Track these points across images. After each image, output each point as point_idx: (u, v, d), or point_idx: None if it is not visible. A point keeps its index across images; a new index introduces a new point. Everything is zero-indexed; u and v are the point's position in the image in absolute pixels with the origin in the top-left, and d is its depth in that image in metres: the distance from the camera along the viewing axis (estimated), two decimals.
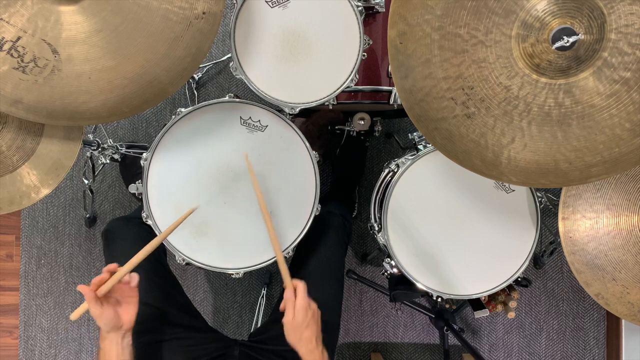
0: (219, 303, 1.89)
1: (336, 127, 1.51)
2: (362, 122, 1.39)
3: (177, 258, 1.15)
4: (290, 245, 1.17)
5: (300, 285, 0.96)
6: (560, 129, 0.89)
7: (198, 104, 1.12)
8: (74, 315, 0.88)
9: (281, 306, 0.96)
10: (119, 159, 1.67)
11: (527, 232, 1.21)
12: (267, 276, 1.85)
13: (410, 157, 1.20)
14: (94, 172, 1.63)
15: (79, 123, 1.03)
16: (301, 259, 1.25)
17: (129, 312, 0.95)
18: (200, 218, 1.14)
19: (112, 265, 0.93)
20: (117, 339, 0.93)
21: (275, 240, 1.03)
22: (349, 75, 1.14)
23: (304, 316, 0.92)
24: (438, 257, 1.21)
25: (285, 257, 1.17)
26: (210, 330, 1.24)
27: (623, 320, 1.83)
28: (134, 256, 0.94)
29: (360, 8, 1.10)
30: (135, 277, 0.95)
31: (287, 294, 0.95)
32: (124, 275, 0.93)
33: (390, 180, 1.21)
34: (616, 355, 1.86)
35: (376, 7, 1.15)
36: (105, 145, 1.54)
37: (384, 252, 1.23)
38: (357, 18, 1.10)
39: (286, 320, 0.94)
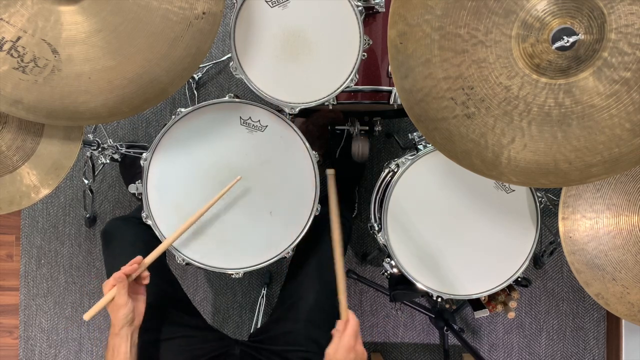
0: (219, 303, 1.89)
1: (336, 127, 1.51)
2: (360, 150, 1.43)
3: (177, 258, 1.15)
4: (290, 245, 1.17)
5: (352, 322, 0.91)
6: (560, 129, 0.89)
7: (198, 104, 1.12)
8: (89, 314, 0.92)
9: (333, 331, 0.93)
10: (119, 159, 1.67)
11: (527, 232, 1.21)
12: (267, 276, 1.85)
13: (410, 157, 1.20)
14: (94, 172, 1.63)
15: (79, 123, 1.03)
16: (301, 259, 1.25)
17: (139, 309, 0.99)
18: (200, 218, 1.14)
19: (138, 257, 0.98)
20: (127, 335, 0.95)
21: (340, 271, 0.98)
22: (349, 75, 1.14)
23: (344, 356, 0.89)
24: (438, 257, 1.21)
25: (285, 257, 1.17)
26: (211, 329, 1.24)
27: (623, 320, 1.83)
28: (156, 248, 1.00)
29: (360, 8, 1.10)
30: (148, 276, 0.99)
31: (339, 325, 0.92)
32: (149, 264, 0.98)
33: (390, 180, 1.21)
34: (616, 355, 1.86)
35: (376, 7, 1.15)
36: (105, 145, 1.54)
37: (384, 252, 1.23)
38: (357, 18, 1.10)
39: (328, 351, 0.91)
